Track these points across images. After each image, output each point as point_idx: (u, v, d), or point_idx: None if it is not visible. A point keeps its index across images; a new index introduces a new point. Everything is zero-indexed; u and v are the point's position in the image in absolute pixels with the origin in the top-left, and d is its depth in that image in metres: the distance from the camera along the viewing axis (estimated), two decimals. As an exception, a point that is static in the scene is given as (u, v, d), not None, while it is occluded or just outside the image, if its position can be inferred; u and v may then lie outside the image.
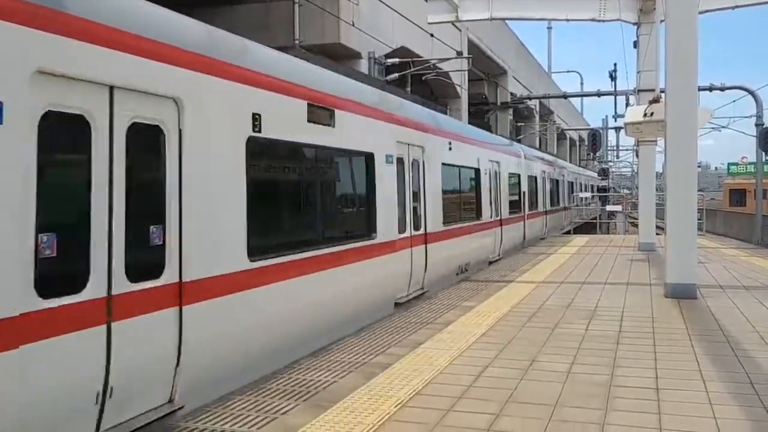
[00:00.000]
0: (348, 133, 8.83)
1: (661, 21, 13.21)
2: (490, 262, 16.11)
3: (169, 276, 5.44)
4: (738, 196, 39.34)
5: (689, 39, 10.37)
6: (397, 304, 10.21)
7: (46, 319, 4.30)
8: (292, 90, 7.52)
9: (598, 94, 38.15)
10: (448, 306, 9.87)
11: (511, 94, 36.02)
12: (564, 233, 29.40)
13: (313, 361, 6.79)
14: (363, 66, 18.42)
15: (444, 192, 12.84)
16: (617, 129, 47.40)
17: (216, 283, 5.99)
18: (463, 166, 14.46)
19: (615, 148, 69.72)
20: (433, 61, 22.15)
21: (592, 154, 48.37)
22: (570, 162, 50.51)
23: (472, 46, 28.37)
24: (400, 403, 5.41)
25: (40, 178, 4.32)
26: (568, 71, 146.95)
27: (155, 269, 5.34)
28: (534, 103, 42.24)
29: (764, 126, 22.26)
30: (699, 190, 13.16)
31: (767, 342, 7.51)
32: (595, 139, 31.90)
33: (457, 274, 13.51)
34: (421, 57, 22.19)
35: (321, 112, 8.10)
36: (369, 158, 9.56)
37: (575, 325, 8.43)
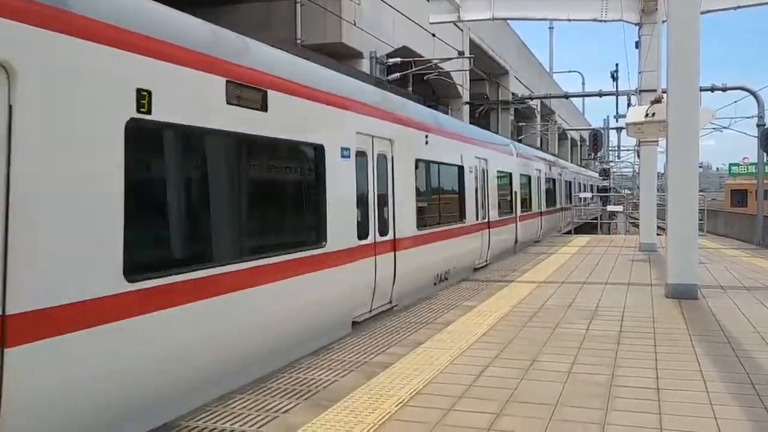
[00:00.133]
0: (287, 120, 7.33)
1: (663, 21, 13.22)
2: (476, 269, 14.88)
3: None
4: (739, 196, 39.33)
5: (691, 39, 10.36)
6: (356, 324, 8.76)
7: None
8: (202, 62, 5.97)
9: (600, 95, 38.03)
10: (449, 306, 9.87)
11: (513, 94, 36.01)
12: (565, 233, 29.35)
13: (313, 360, 6.79)
14: (365, 66, 18.41)
15: (419, 192, 11.56)
16: (618, 129, 47.32)
17: (69, 313, 4.49)
18: (443, 163, 13.16)
19: (616, 148, 69.65)
20: (434, 61, 22.14)
21: (593, 154, 48.38)
22: (571, 162, 50.49)
23: (474, 46, 28.37)
24: (400, 403, 5.41)
25: None
26: (569, 71, 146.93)
27: None
28: (535, 103, 42.23)
29: (766, 127, 22.22)
30: (700, 191, 13.15)
31: (768, 342, 7.52)
32: (597, 139, 31.88)
33: (435, 283, 12.18)
34: (423, 57, 22.20)
35: (247, 92, 6.60)
36: (318, 151, 8.00)
37: (576, 325, 8.43)
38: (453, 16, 18.98)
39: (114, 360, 4.85)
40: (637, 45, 19.03)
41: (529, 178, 22.42)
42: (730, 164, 48.16)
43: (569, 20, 18.96)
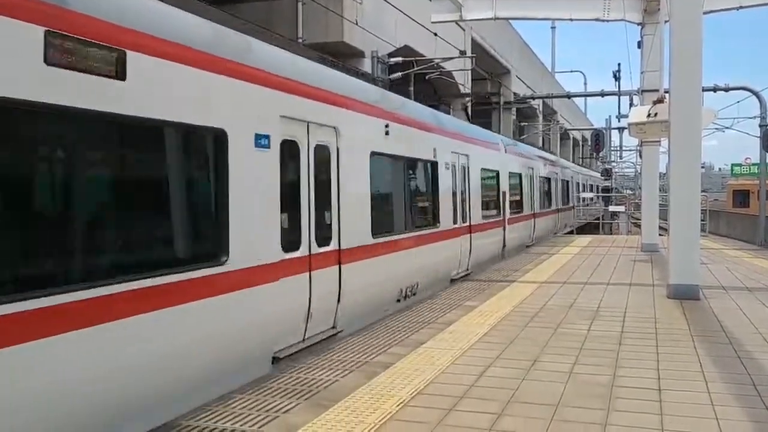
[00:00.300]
0: (160, 93, 5.51)
1: (666, 21, 13.20)
2: (453, 280, 13.15)
3: None
4: (741, 197, 39.25)
5: (693, 39, 10.34)
6: (277, 359, 6.96)
7: None
8: None
9: (602, 94, 38.05)
10: (450, 306, 9.86)
11: (515, 93, 36.00)
12: (566, 234, 29.31)
13: (314, 360, 6.79)
14: (366, 65, 18.41)
15: (377, 192, 9.73)
16: (621, 129, 47.29)
17: None
18: (410, 158, 11.30)
19: (618, 148, 69.60)
20: (436, 61, 22.14)
21: (595, 154, 48.33)
22: (573, 162, 50.45)
23: (476, 46, 28.37)
24: (401, 403, 5.41)
25: None
26: (571, 71, 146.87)
27: None
28: (537, 103, 42.23)
29: (768, 127, 22.20)
30: (702, 191, 13.13)
31: (770, 343, 7.50)
32: (599, 139, 31.83)
33: (399, 300, 10.43)
34: (425, 56, 22.19)
35: (86, 51, 4.78)
36: (216, 139, 6.19)
37: (578, 326, 8.42)
38: (455, 16, 18.97)
39: None
40: (640, 45, 19.00)
41: (520, 176, 20.65)
42: (733, 165, 48.06)
43: (571, 20, 18.93)
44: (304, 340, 7.55)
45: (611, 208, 38.14)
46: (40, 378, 4.35)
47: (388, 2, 17.60)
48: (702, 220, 12.39)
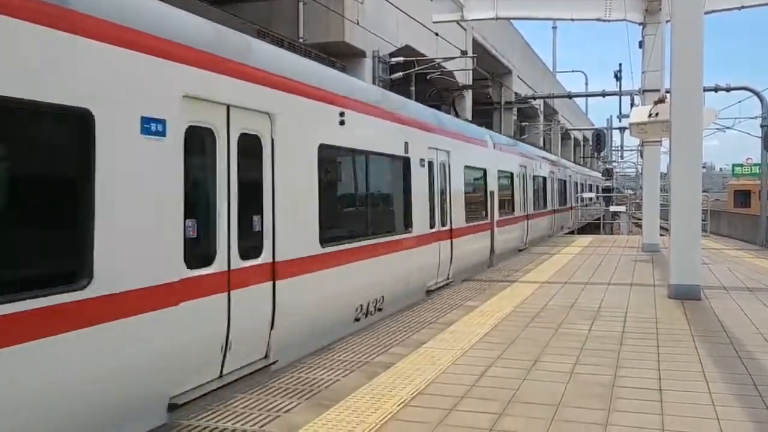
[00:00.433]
0: None
1: (667, 21, 13.19)
2: (430, 291, 11.75)
3: None
4: (743, 197, 39.24)
5: (695, 39, 10.34)
6: (176, 407, 5.45)
7: None
8: None
9: (603, 94, 38.17)
10: (451, 306, 9.86)
11: (516, 93, 35.99)
12: (566, 233, 29.31)
13: (315, 360, 6.79)
14: (367, 65, 18.42)
15: (328, 192, 8.34)
16: (622, 129, 47.34)
17: None
18: (373, 153, 9.75)
19: (619, 148, 69.61)
20: (437, 61, 22.14)
21: (596, 153, 48.31)
22: (573, 161, 50.43)
23: (477, 46, 28.34)
24: (402, 403, 5.41)
25: None
26: (572, 71, 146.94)
27: None
28: (538, 103, 42.21)
29: (769, 127, 22.18)
30: (703, 191, 13.13)
31: (771, 343, 7.50)
32: (600, 139, 31.83)
33: (358, 319, 8.92)
34: (426, 56, 22.18)
35: None
36: (76, 121, 4.75)
37: (579, 326, 8.42)
38: (456, 16, 18.97)
39: None
40: (641, 45, 19.01)
41: (512, 175, 19.26)
42: (734, 165, 48.01)
43: (572, 20, 18.94)
44: (221, 376, 6.09)
45: (612, 208, 38.15)
46: None
47: (389, 2, 17.60)
48: (703, 220, 12.40)
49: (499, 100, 35.47)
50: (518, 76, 36.81)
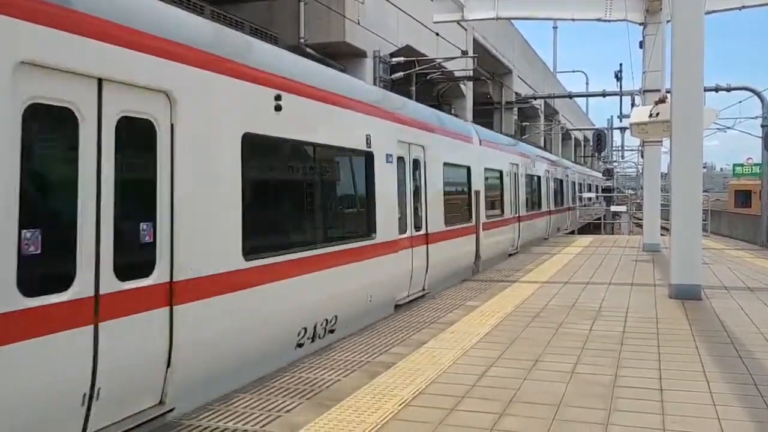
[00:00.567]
0: None
1: (667, 21, 13.19)
2: (400, 305, 10.33)
3: None
4: (743, 197, 39.22)
5: (695, 39, 10.35)
6: None
7: None
8: None
9: (604, 94, 38.13)
10: (452, 306, 9.86)
11: (516, 93, 35.98)
12: (567, 233, 29.30)
13: (316, 360, 6.80)
14: (368, 65, 18.42)
15: (257, 193, 6.92)
16: (622, 129, 47.34)
17: None
18: (322, 146, 8.21)
19: (620, 148, 69.61)
20: (438, 60, 22.15)
21: (597, 153, 48.31)
22: (574, 161, 50.42)
23: (478, 46, 28.33)
24: (403, 402, 5.41)
25: None
26: (573, 71, 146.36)
27: None
28: (539, 103, 42.20)
29: (770, 127, 22.18)
30: (704, 191, 13.12)
31: (772, 343, 7.50)
32: (600, 139, 31.81)
33: (300, 344, 7.41)
34: (427, 56, 22.19)
35: None
36: None
37: (579, 325, 8.42)
38: (457, 16, 18.98)
39: None
40: (641, 45, 19.02)
41: (501, 174, 17.84)
42: (734, 165, 47.99)
43: (573, 20, 18.95)
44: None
45: (613, 208, 38.14)
46: None
47: (389, 2, 17.61)
48: (704, 220, 12.39)
49: (500, 100, 35.47)
50: (519, 76, 36.80)
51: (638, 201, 41.70)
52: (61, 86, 4.58)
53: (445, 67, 22.82)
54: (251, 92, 6.77)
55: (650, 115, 13.97)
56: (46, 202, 4.72)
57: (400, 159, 10.71)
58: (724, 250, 18.94)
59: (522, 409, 5.25)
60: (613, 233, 37.62)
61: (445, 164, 12.96)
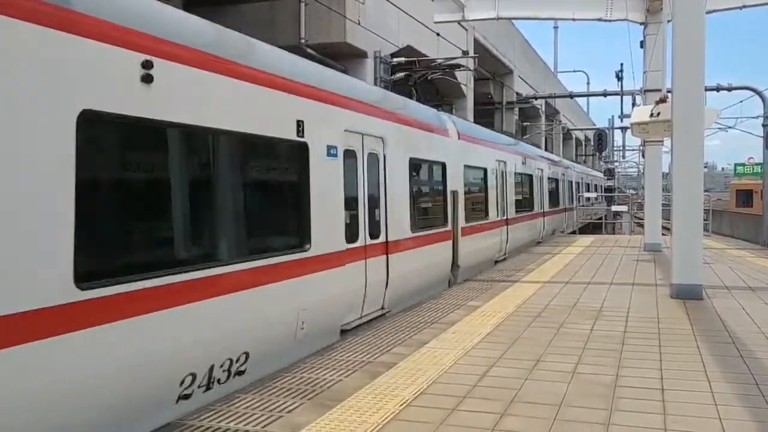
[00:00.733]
0: None
1: (668, 21, 13.19)
2: (347, 330, 8.50)
3: None
4: (745, 196, 39.23)
5: (696, 39, 10.34)
6: None
7: None
8: None
9: (605, 94, 38.17)
10: (453, 306, 9.86)
11: (517, 93, 35.99)
12: (569, 233, 29.28)
13: (318, 360, 6.80)
14: (369, 65, 18.43)
15: (106, 193, 5.32)
16: (623, 129, 47.34)
17: None
18: (225, 133, 6.33)
19: (621, 148, 69.62)
20: (438, 61, 22.16)
21: (598, 154, 48.31)
22: (575, 160, 50.40)
23: (478, 46, 28.36)
24: (404, 403, 5.42)
25: None
26: (574, 71, 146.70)
27: None
28: (540, 103, 42.22)
29: (771, 126, 22.18)
30: (705, 191, 13.12)
31: (773, 343, 7.50)
32: (601, 139, 31.82)
33: (186, 396, 5.66)
34: (427, 56, 22.20)
35: None
36: None
37: (580, 325, 8.42)
38: (457, 16, 18.99)
39: None
40: (642, 45, 19.02)
41: (485, 172, 16.00)
42: (736, 164, 48.02)
43: (574, 20, 18.95)
44: None
45: (614, 208, 38.15)
46: None
47: (390, 2, 17.62)
48: (705, 220, 12.39)
49: (501, 100, 35.48)
50: (519, 76, 36.82)
51: (639, 201, 41.70)
52: None
53: (446, 68, 22.82)
54: (98, 55, 4.90)
55: (651, 115, 13.97)
56: None
57: (350, 152, 8.79)
58: (725, 250, 18.92)
59: (523, 409, 5.25)
60: (614, 233, 37.62)
61: (413, 160, 11.08)
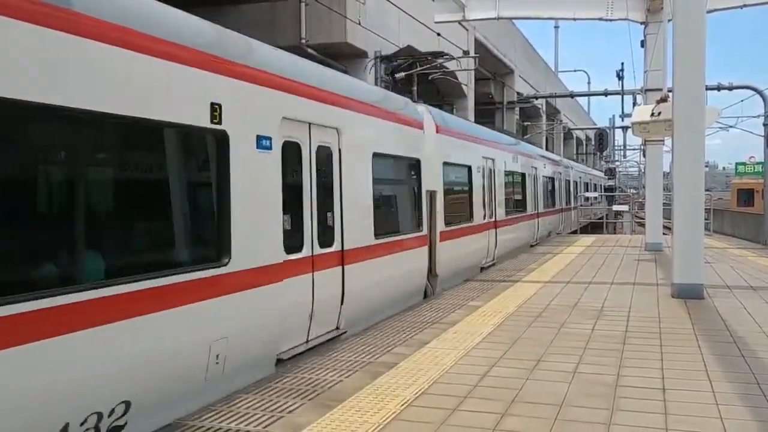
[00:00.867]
0: None
1: (669, 20, 13.19)
2: (283, 360, 6.95)
3: None
4: (746, 196, 39.17)
5: (697, 38, 10.34)
6: None
7: None
8: None
9: (605, 94, 38.19)
10: (454, 306, 9.86)
11: (518, 93, 36.00)
12: (570, 233, 29.26)
13: (319, 360, 6.80)
14: (369, 65, 18.43)
15: None
16: (624, 128, 47.37)
17: None
18: (94, 116, 4.80)
19: (622, 147, 69.61)
20: (439, 61, 22.15)
21: (599, 153, 48.29)
22: (576, 160, 50.38)
23: (479, 46, 28.35)
24: (405, 403, 5.41)
25: None
26: (575, 70, 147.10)
27: None
28: (540, 103, 42.22)
29: (772, 125, 22.15)
30: (706, 190, 13.10)
31: (774, 342, 7.49)
32: (602, 138, 31.82)
33: None
34: (428, 56, 22.20)
35: None
36: None
37: (582, 325, 8.41)
38: (458, 16, 19.00)
39: None
40: (643, 44, 19.02)
41: (469, 170, 14.56)
42: (737, 163, 47.92)
43: (575, 19, 18.96)
44: None
45: (615, 208, 38.13)
46: None
47: (391, 2, 17.62)
48: (706, 219, 12.37)
49: (502, 100, 35.48)
50: (520, 76, 36.82)
51: (640, 200, 41.70)
52: None
53: (446, 68, 22.81)
54: None
55: (652, 114, 13.98)
56: None
57: (292, 145, 7.32)
58: (726, 249, 18.91)
59: (524, 409, 5.25)
60: (615, 233, 37.60)
61: (377, 156, 9.53)
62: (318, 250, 7.75)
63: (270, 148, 6.86)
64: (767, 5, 17.93)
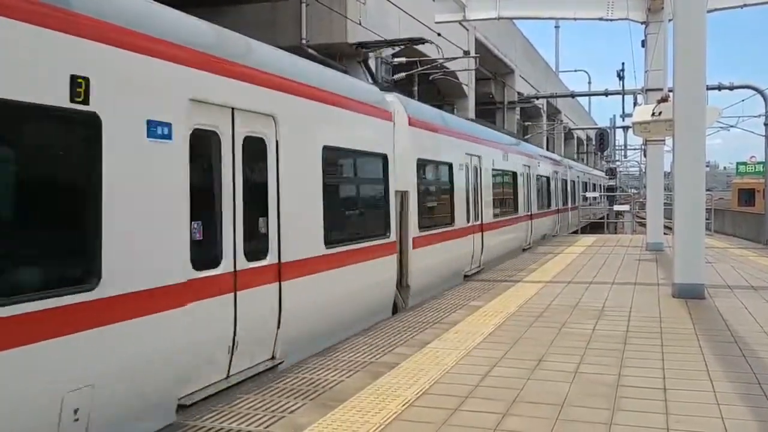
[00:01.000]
0: None
1: (669, 20, 13.19)
2: (186, 405, 5.46)
3: None
4: (747, 195, 39.15)
5: (697, 38, 10.34)
6: None
7: None
8: None
9: (606, 94, 38.21)
10: (455, 306, 9.86)
11: (519, 93, 35.99)
12: (571, 233, 29.24)
13: (320, 360, 6.80)
14: (370, 65, 18.43)
15: None
16: (625, 128, 47.38)
17: None
18: None
19: (623, 147, 69.60)
20: (440, 61, 22.15)
21: (600, 153, 48.29)
22: (577, 159, 50.37)
23: (480, 46, 28.35)
24: (406, 403, 5.42)
25: None
26: (575, 70, 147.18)
27: None
28: (541, 103, 42.22)
29: (773, 125, 22.16)
30: (707, 190, 13.10)
31: (776, 342, 7.49)
32: (603, 138, 31.80)
33: None
34: (428, 56, 22.20)
35: None
36: None
37: (583, 325, 8.41)
38: (458, 16, 19.00)
39: None
40: (644, 44, 19.02)
41: (450, 168, 13.20)
42: (738, 163, 47.90)
43: (575, 19, 18.97)
44: None
45: (616, 207, 38.14)
46: None
47: (391, 2, 17.63)
48: (707, 219, 12.37)
49: (502, 100, 35.48)
50: (521, 76, 36.82)
51: (641, 200, 41.68)
52: None
53: (447, 68, 22.82)
54: None
55: (653, 114, 13.97)
56: None
57: (204, 134, 5.94)
58: (727, 249, 18.90)
59: (525, 409, 5.25)
60: (616, 232, 37.60)
61: (330, 149, 8.14)
62: (244, 264, 6.35)
63: (169, 137, 5.41)
64: (767, 5, 17.92)
